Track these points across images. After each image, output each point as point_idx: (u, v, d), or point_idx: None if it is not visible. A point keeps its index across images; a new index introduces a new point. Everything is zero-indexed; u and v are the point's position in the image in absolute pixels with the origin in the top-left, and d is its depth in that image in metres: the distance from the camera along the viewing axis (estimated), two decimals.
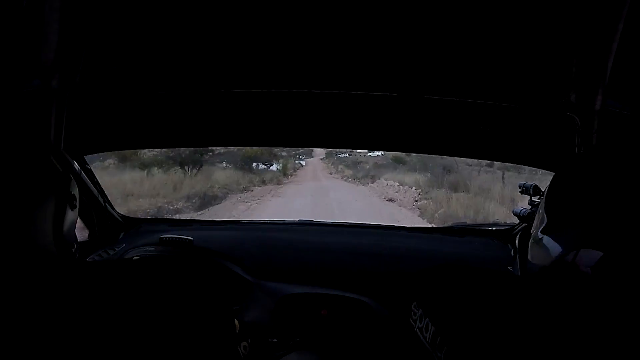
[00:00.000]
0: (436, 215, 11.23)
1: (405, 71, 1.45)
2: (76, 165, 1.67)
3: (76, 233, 1.02)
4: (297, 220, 2.36)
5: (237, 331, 1.05)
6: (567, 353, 0.66)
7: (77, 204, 0.95)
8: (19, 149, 0.78)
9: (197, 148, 15.20)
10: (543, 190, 0.94)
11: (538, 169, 2.04)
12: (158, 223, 2.27)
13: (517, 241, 1.55)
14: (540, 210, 0.82)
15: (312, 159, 36.60)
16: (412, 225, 2.42)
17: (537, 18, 1.25)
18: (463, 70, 1.42)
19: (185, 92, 1.56)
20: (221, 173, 18.56)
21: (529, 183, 1.76)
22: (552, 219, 0.78)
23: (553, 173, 0.85)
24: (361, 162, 28.96)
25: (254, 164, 22.13)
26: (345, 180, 22.51)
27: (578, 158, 1.15)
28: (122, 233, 2.07)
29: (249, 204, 12.94)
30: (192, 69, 1.47)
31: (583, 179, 0.76)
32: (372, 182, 19.70)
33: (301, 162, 34.07)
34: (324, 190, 16.33)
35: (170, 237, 1.85)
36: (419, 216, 11.43)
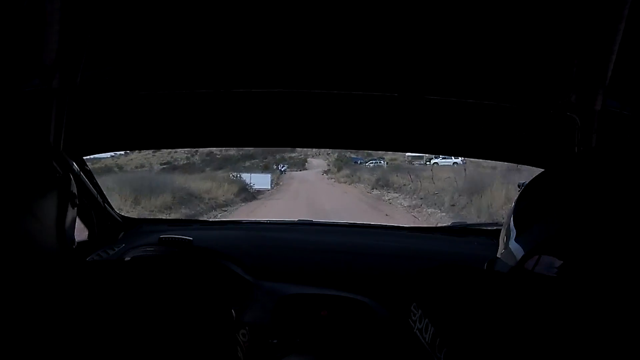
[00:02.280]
0: None
1: (405, 71, 1.45)
2: (75, 166, 1.67)
3: (76, 233, 1.02)
4: (296, 221, 2.36)
5: (234, 319, 1.05)
6: (568, 352, 0.66)
7: (77, 202, 0.95)
8: (19, 149, 0.78)
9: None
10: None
11: None
12: (157, 223, 2.27)
13: None
14: (510, 213, 0.84)
15: (301, 173, 26.52)
16: (412, 225, 2.42)
17: (538, 18, 1.25)
18: (463, 70, 1.42)
19: (185, 92, 1.56)
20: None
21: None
22: (519, 223, 0.79)
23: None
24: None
25: None
26: None
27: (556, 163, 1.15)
28: (122, 233, 2.07)
29: None
30: (192, 69, 1.47)
31: (575, 176, 0.76)
32: None
33: (281, 171, 25.54)
34: None
35: (170, 237, 1.84)
36: None
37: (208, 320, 0.83)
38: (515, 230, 0.80)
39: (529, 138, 1.70)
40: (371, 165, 24.57)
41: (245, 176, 20.75)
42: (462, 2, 1.23)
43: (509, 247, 0.80)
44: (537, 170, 0.97)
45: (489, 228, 2.17)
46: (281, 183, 23.86)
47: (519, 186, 1.83)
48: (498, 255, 0.85)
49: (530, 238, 0.76)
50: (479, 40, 1.32)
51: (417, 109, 1.61)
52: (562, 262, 0.69)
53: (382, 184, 19.25)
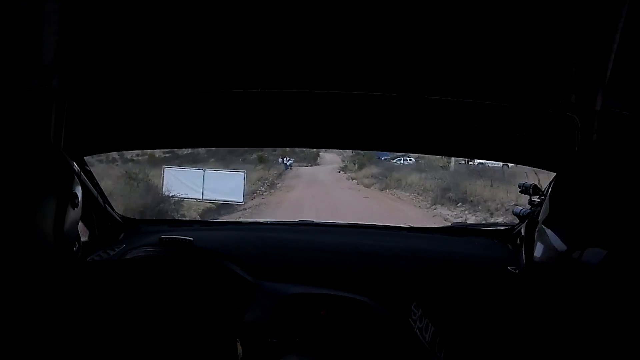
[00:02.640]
0: None
1: (405, 71, 1.45)
2: (76, 166, 1.67)
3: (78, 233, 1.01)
4: (297, 221, 2.36)
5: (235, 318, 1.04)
6: (568, 352, 0.66)
7: (79, 203, 0.95)
8: (20, 149, 0.78)
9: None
10: (544, 187, 0.94)
11: None
12: (158, 224, 2.27)
13: (517, 240, 1.55)
14: (545, 207, 0.82)
15: (311, 169, 20.83)
16: (412, 226, 2.42)
17: (537, 18, 1.25)
18: (463, 70, 1.42)
19: (185, 92, 1.56)
20: None
21: (529, 183, 1.76)
22: (557, 216, 0.78)
23: (554, 173, 0.85)
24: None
25: None
26: None
27: (583, 155, 1.14)
28: (122, 234, 2.07)
29: None
30: (192, 69, 1.47)
31: (589, 176, 0.76)
32: None
33: (287, 165, 19.94)
34: None
35: (171, 238, 1.84)
36: None
37: (208, 320, 0.83)
38: (553, 223, 0.78)
39: (529, 138, 1.70)
40: (401, 162, 19.07)
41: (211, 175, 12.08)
42: (461, 2, 1.23)
43: (547, 239, 0.78)
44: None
45: (489, 228, 2.18)
46: (279, 185, 15.22)
47: (519, 186, 1.83)
48: (536, 251, 0.83)
49: (571, 229, 0.75)
50: (478, 40, 1.32)
51: (417, 109, 1.61)
52: (606, 252, 0.68)
53: (453, 196, 11.54)
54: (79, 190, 0.95)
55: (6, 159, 0.74)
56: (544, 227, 0.79)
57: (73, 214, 0.92)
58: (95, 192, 1.87)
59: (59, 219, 0.83)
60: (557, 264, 0.75)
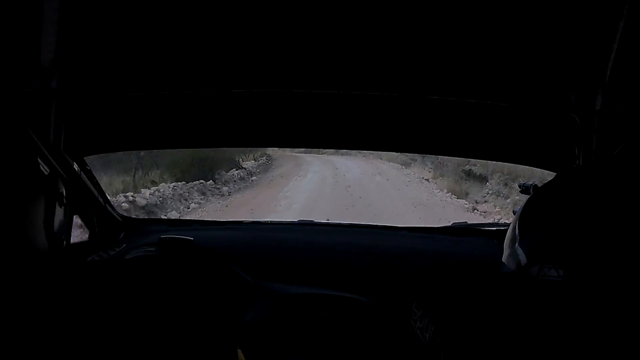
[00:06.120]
0: None
1: (405, 71, 1.45)
2: (76, 166, 1.68)
3: (76, 233, 1.02)
4: (297, 221, 2.36)
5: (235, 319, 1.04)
6: (567, 352, 0.66)
7: (65, 202, 0.95)
8: (18, 150, 0.78)
9: None
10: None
11: None
12: (158, 223, 2.27)
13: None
14: (516, 219, 0.84)
15: (342, 162, 17.76)
16: (412, 225, 2.42)
17: (537, 18, 1.25)
18: (463, 70, 1.43)
19: (185, 92, 1.56)
20: None
21: (529, 183, 1.76)
22: (527, 227, 0.79)
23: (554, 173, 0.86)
24: None
25: None
26: None
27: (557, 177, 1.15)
28: (122, 233, 2.07)
29: None
30: (192, 70, 1.48)
31: (567, 193, 0.76)
32: None
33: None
34: None
35: (171, 238, 1.85)
36: None
37: (209, 320, 0.83)
38: (519, 236, 0.80)
39: (528, 138, 1.70)
40: None
41: None
42: (462, 2, 1.23)
43: (515, 251, 0.80)
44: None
45: (489, 228, 2.18)
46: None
47: (519, 186, 1.83)
48: (503, 259, 0.85)
49: (533, 244, 0.76)
50: (478, 40, 1.32)
51: (417, 109, 1.61)
52: (564, 270, 0.69)
53: None
54: (64, 189, 0.95)
55: (7, 160, 0.74)
56: (512, 236, 0.81)
57: (62, 213, 0.92)
58: (95, 192, 1.87)
59: (46, 218, 0.83)
60: (520, 274, 0.76)
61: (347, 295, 1.75)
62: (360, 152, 19.91)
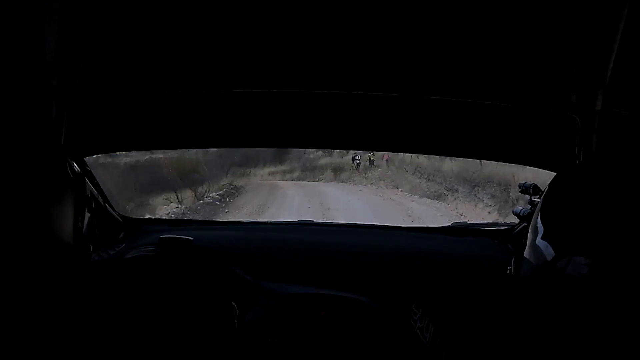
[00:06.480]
0: None
1: (406, 71, 1.45)
2: (76, 166, 1.68)
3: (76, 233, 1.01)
4: (297, 221, 2.36)
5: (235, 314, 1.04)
6: (566, 353, 0.66)
7: (66, 201, 0.95)
8: (32, 151, 0.77)
9: None
10: (542, 191, 0.95)
11: None
12: (158, 223, 2.27)
13: (517, 240, 1.56)
14: (537, 212, 0.82)
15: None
16: (412, 226, 2.42)
17: (538, 18, 1.25)
18: (464, 70, 1.42)
19: (185, 92, 1.56)
20: None
21: (529, 183, 1.76)
22: (548, 222, 0.78)
23: (554, 173, 0.85)
24: None
25: None
26: None
27: (578, 163, 1.14)
28: (122, 233, 2.07)
29: None
30: (193, 69, 1.47)
31: (581, 185, 0.76)
32: None
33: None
34: None
35: (171, 237, 1.85)
36: None
37: (208, 320, 0.83)
38: (543, 229, 0.79)
39: (529, 138, 1.70)
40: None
41: None
42: (462, 3, 1.23)
43: (537, 244, 0.79)
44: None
45: (489, 228, 2.17)
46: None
47: (519, 186, 1.83)
48: (525, 254, 0.83)
49: (559, 237, 0.75)
50: (479, 40, 1.32)
51: (418, 109, 1.61)
52: (593, 262, 0.68)
53: None
54: (91, 192, 0.95)
55: (8, 160, 0.74)
56: (534, 230, 0.79)
57: (60, 212, 0.92)
58: (95, 192, 1.87)
59: (77, 220, 0.83)
60: (544, 270, 0.75)
61: (347, 295, 1.75)
62: (368, 180, 16.72)
